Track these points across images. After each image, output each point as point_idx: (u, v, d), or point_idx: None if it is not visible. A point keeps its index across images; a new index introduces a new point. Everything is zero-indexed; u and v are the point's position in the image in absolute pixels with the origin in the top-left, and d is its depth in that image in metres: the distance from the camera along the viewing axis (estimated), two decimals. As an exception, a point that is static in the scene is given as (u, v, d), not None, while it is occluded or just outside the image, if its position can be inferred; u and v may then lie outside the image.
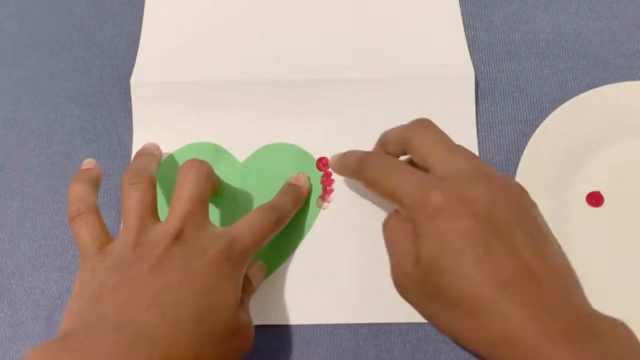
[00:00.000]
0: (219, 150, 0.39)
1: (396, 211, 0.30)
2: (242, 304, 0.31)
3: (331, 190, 0.38)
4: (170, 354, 0.26)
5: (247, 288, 0.33)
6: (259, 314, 0.35)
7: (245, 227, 0.32)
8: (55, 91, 0.42)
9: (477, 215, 0.27)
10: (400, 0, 0.43)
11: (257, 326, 0.34)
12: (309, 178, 0.38)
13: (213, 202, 0.37)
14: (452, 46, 0.41)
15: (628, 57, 0.42)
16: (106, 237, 0.31)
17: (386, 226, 0.31)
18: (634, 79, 0.40)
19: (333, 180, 0.38)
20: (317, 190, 0.38)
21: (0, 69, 0.43)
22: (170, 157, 0.39)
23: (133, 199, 0.31)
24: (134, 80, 0.40)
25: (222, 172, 0.38)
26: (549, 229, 0.29)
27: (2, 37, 0.44)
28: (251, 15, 0.43)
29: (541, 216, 0.29)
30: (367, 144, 0.39)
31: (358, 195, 0.37)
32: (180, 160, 0.38)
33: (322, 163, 0.38)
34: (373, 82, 0.39)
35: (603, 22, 0.43)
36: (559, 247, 0.29)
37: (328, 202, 0.37)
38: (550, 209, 0.36)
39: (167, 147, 0.39)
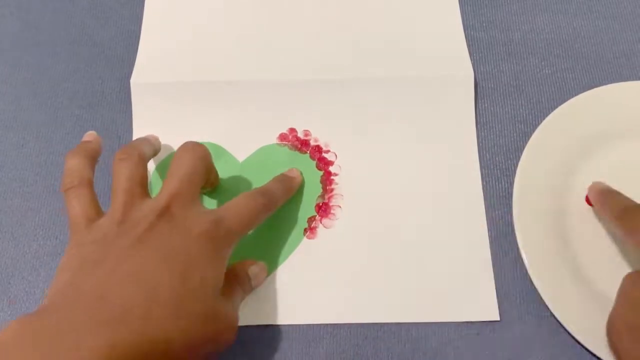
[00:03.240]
0: (218, 150, 0.39)
1: None
2: (231, 295, 0.31)
3: (331, 190, 0.38)
4: (145, 332, 0.26)
5: (245, 285, 0.33)
6: (259, 314, 0.35)
7: (233, 208, 0.31)
8: (55, 91, 0.42)
9: None
10: (400, 0, 0.43)
11: (257, 326, 0.34)
12: (301, 173, 0.38)
13: (213, 203, 0.37)
14: (452, 46, 0.41)
15: (628, 57, 0.42)
16: (97, 212, 0.31)
17: (632, 280, 0.30)
18: (634, 79, 0.40)
19: (333, 180, 0.38)
20: (316, 189, 0.38)
21: (1, 69, 0.43)
22: (171, 157, 0.39)
23: (122, 175, 0.31)
24: (134, 80, 0.40)
25: (222, 172, 0.38)
26: None
27: (2, 37, 0.44)
28: (251, 15, 0.43)
29: None
30: (367, 144, 0.39)
31: (359, 195, 0.38)
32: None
33: (322, 163, 0.39)
34: (373, 82, 0.39)
35: (603, 22, 0.43)
36: None
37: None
38: (550, 209, 0.36)
39: (167, 147, 0.39)
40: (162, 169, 0.38)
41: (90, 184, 0.31)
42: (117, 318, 0.25)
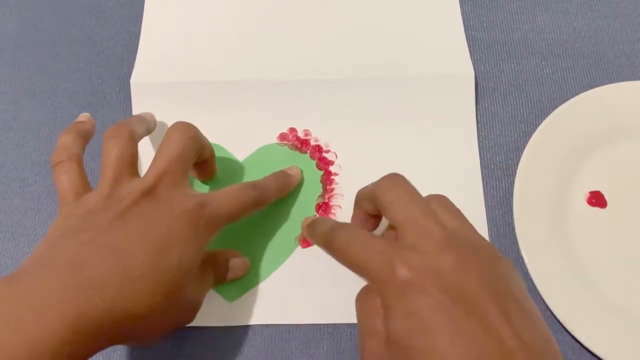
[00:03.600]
0: (218, 150, 0.39)
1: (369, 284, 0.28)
2: (203, 279, 0.31)
3: (331, 190, 0.38)
4: (115, 304, 0.26)
5: (220, 273, 0.33)
6: (259, 314, 0.35)
7: (222, 195, 0.32)
8: (55, 91, 0.42)
9: (447, 288, 0.24)
10: (400, 0, 0.43)
11: (257, 326, 0.34)
12: (301, 171, 0.38)
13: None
14: (452, 46, 0.41)
15: (628, 56, 0.42)
16: (84, 187, 0.31)
17: (358, 300, 0.28)
18: (634, 79, 0.40)
19: (333, 180, 0.38)
20: (317, 189, 0.38)
21: (1, 69, 0.43)
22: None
23: (111, 153, 0.31)
24: (133, 80, 0.40)
25: (222, 171, 0.38)
26: (527, 298, 0.26)
27: (2, 36, 0.44)
28: (251, 15, 0.43)
29: (520, 283, 0.27)
30: (367, 144, 0.39)
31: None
32: (180, 160, 0.38)
33: (323, 162, 0.38)
34: (373, 82, 0.39)
35: (603, 22, 0.43)
36: (538, 316, 0.26)
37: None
38: (550, 209, 0.36)
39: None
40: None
41: (79, 160, 0.32)
42: (89, 287, 0.25)
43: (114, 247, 0.27)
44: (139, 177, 0.31)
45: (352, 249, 0.28)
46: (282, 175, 0.37)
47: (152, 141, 0.39)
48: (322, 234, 0.30)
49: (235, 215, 0.32)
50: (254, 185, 0.34)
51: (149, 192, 0.29)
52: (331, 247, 0.29)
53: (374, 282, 0.26)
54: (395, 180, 0.29)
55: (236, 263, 0.34)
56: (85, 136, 0.33)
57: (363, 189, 0.32)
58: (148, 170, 0.31)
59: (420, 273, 0.25)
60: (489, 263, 0.26)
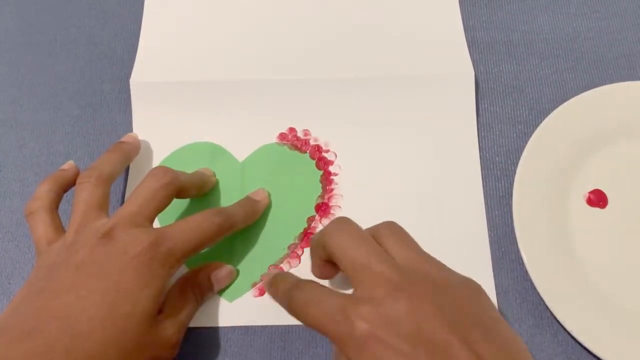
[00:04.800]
0: (218, 150, 0.39)
1: None
2: (177, 311, 0.31)
3: (331, 190, 0.38)
4: None
5: (204, 292, 0.33)
6: (259, 314, 0.35)
7: (181, 227, 0.31)
8: (55, 91, 0.42)
9: (405, 335, 0.24)
10: (400, 0, 0.43)
11: (257, 326, 0.34)
12: (269, 195, 0.37)
13: (213, 202, 0.37)
14: (452, 46, 0.41)
15: (628, 57, 0.42)
16: (57, 234, 0.31)
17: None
18: (634, 79, 0.40)
19: (333, 180, 0.38)
20: (316, 189, 0.38)
21: (0, 69, 0.43)
22: (171, 157, 0.39)
23: (79, 197, 0.32)
24: (133, 79, 0.40)
25: (222, 172, 0.38)
26: (497, 319, 0.26)
27: (2, 37, 0.44)
28: (251, 15, 0.43)
29: (487, 305, 0.27)
30: (367, 144, 0.39)
31: (359, 195, 0.37)
32: (181, 160, 0.38)
33: (322, 162, 0.38)
34: (373, 81, 0.39)
35: (603, 22, 0.43)
36: (507, 333, 0.26)
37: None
38: (550, 209, 0.36)
39: (167, 147, 0.39)
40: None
41: (51, 208, 0.32)
42: (37, 354, 0.26)
43: (66, 309, 0.27)
44: (107, 218, 0.31)
45: (310, 310, 0.27)
46: (249, 203, 0.36)
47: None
48: (282, 294, 0.30)
49: (197, 246, 0.31)
50: (218, 211, 0.33)
51: (105, 236, 0.29)
52: (291, 309, 0.29)
53: (335, 341, 0.26)
54: (340, 224, 0.29)
55: (219, 274, 0.34)
56: (63, 184, 0.34)
57: (314, 235, 0.31)
58: (115, 214, 0.31)
59: (377, 325, 0.25)
60: (447, 296, 0.26)
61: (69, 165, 0.35)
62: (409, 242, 0.29)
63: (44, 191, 0.33)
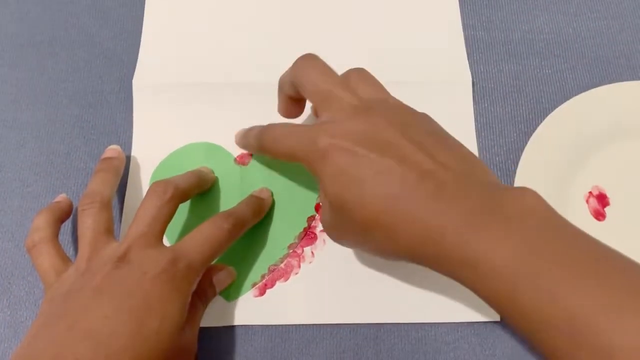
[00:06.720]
0: (218, 150, 0.39)
1: None
2: (193, 318, 0.31)
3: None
4: None
5: (208, 297, 0.33)
6: (259, 315, 0.35)
7: (193, 240, 0.31)
8: (55, 91, 0.42)
9: (361, 141, 0.27)
10: (399, 2, 0.43)
11: (257, 326, 0.34)
12: (272, 194, 0.37)
13: (213, 202, 0.37)
14: (451, 51, 0.41)
15: (628, 57, 0.42)
16: (64, 264, 0.31)
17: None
18: (634, 79, 0.41)
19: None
20: (316, 189, 0.38)
21: (0, 69, 0.43)
22: (170, 157, 0.39)
23: (84, 224, 0.32)
24: (136, 81, 0.40)
25: (221, 172, 0.38)
26: (447, 136, 0.29)
27: (1, 37, 0.44)
28: (252, 16, 0.43)
29: (438, 127, 0.30)
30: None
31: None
32: (181, 160, 0.38)
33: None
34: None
35: (603, 22, 0.43)
36: (460, 147, 0.29)
37: None
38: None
39: (167, 147, 0.39)
40: (161, 170, 0.38)
41: (53, 239, 0.32)
42: None
43: (93, 332, 0.27)
44: (115, 242, 0.31)
45: (280, 141, 0.31)
46: (254, 200, 0.36)
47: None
48: (254, 138, 0.33)
49: (212, 255, 0.32)
50: (227, 215, 0.33)
51: (121, 260, 0.29)
52: (264, 146, 0.32)
53: (304, 163, 0.29)
54: (310, 59, 0.31)
55: (220, 277, 0.34)
56: (60, 216, 0.34)
57: (283, 74, 0.33)
58: (124, 237, 0.31)
59: (337, 138, 0.28)
60: (402, 115, 0.29)
61: (61, 197, 0.36)
62: (377, 85, 0.31)
63: (42, 222, 0.33)
